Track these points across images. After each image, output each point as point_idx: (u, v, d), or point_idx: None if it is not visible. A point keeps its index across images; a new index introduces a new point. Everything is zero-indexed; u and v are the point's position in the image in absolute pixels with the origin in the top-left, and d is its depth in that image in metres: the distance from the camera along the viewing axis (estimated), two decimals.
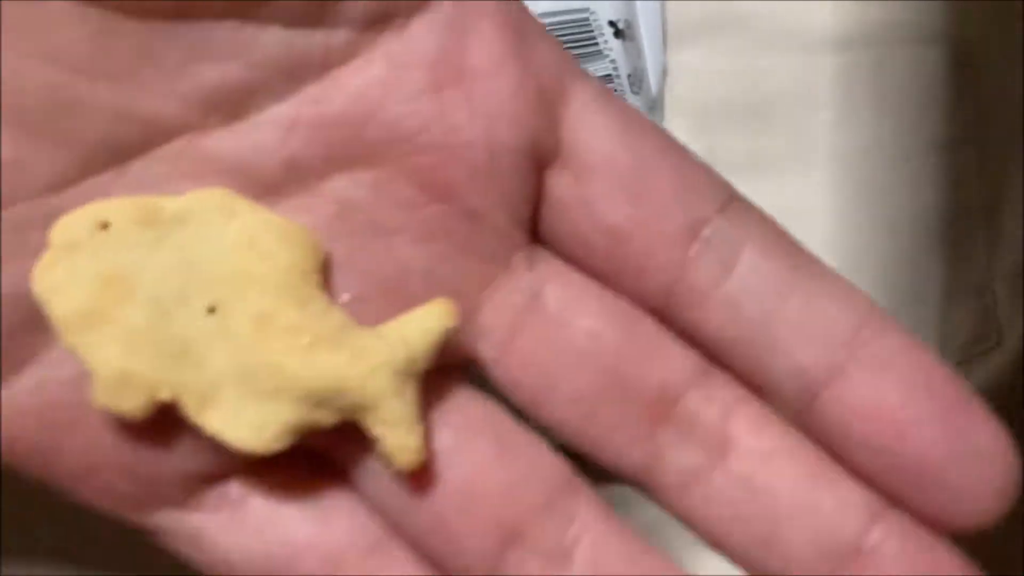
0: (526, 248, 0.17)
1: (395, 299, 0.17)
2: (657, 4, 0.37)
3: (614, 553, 0.17)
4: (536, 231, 0.17)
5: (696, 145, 0.38)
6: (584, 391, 0.17)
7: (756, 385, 0.16)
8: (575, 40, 0.35)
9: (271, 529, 0.17)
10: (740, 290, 0.16)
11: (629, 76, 0.35)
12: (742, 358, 0.16)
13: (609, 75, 0.35)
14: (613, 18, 0.35)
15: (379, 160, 0.16)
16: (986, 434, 0.15)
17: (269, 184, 0.16)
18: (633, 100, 0.35)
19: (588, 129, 0.17)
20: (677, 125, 0.37)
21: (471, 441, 0.17)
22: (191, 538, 0.17)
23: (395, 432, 0.16)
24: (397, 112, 0.16)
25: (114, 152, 0.15)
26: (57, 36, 0.14)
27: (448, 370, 0.17)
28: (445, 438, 0.17)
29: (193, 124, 0.16)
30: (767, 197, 0.38)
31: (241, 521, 0.17)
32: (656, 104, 0.37)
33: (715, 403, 0.16)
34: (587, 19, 0.35)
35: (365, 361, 0.16)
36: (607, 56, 0.35)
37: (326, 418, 0.16)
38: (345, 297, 0.17)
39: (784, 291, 0.16)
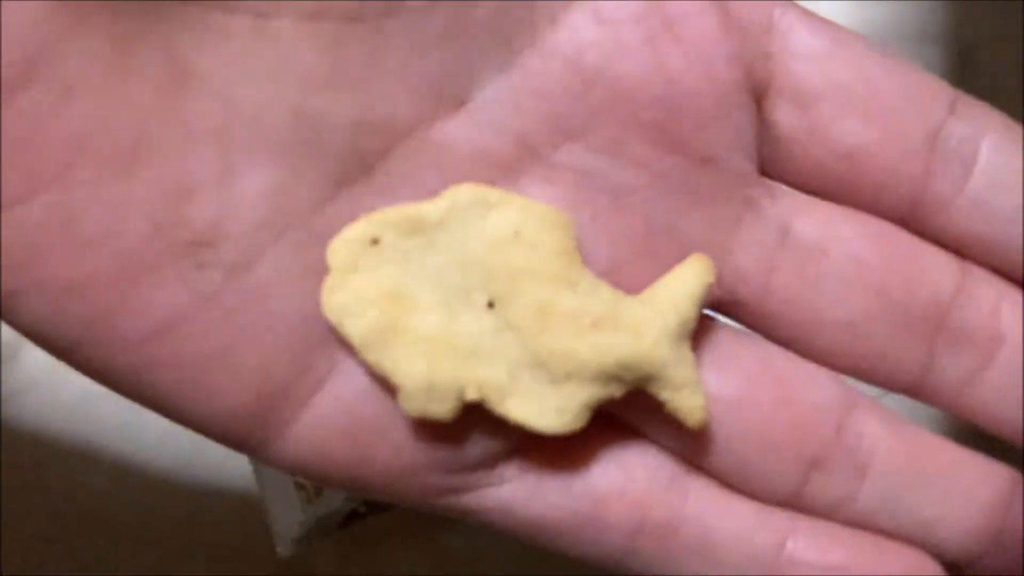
0: (762, 183, 0.17)
1: (647, 259, 0.17)
2: None
3: (905, 456, 0.17)
4: (760, 164, 0.17)
5: None
6: (855, 316, 0.17)
7: (1012, 275, 0.17)
8: None
9: (575, 485, 0.17)
10: (986, 186, 0.16)
11: None
12: (997, 250, 0.17)
13: None
14: None
15: (606, 122, 0.16)
16: None
17: (505, 163, 0.16)
18: None
19: (800, 53, 0.17)
20: None
21: (754, 384, 0.17)
22: (502, 511, 0.17)
23: (681, 395, 0.17)
24: (617, 72, 0.16)
25: (360, 160, 0.16)
26: (294, 57, 0.15)
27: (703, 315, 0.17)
28: (729, 385, 0.17)
29: (425, 117, 0.16)
30: None
31: (545, 485, 0.17)
32: None
33: (982, 302, 0.17)
34: None
35: (646, 334, 0.16)
36: None
37: (616, 391, 0.17)
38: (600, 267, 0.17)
39: None
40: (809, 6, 0.37)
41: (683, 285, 0.16)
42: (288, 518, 0.32)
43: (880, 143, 0.16)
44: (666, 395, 0.17)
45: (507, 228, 0.16)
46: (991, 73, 0.37)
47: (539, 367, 0.16)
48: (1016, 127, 0.17)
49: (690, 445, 0.17)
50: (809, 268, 0.17)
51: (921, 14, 0.37)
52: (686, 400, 0.16)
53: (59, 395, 0.37)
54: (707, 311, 0.17)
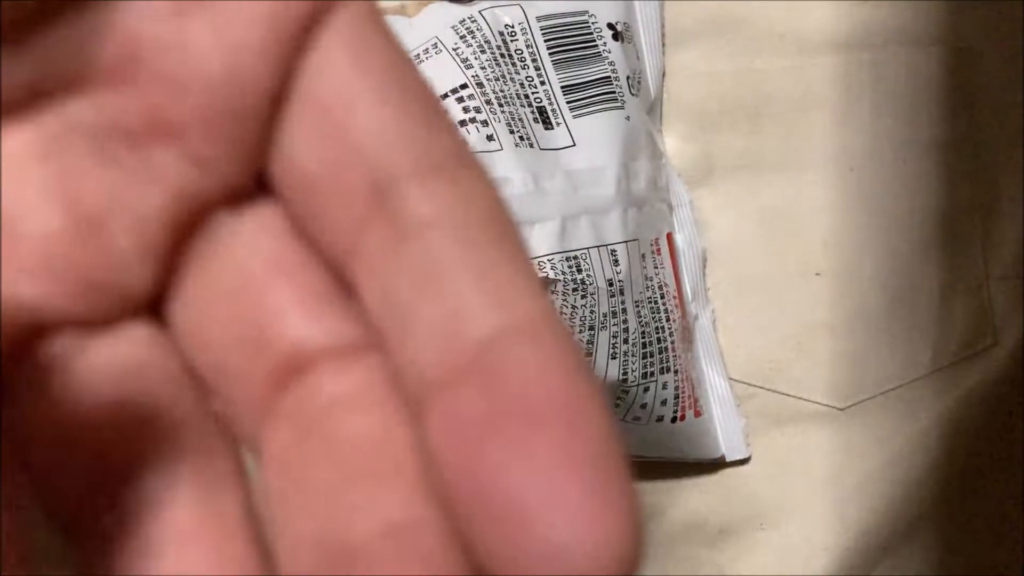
0: (248, 195, 0.16)
1: (89, 234, 0.15)
2: (656, 6, 0.37)
3: None
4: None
5: (694, 146, 0.38)
6: (224, 339, 0.15)
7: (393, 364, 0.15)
8: (574, 42, 0.35)
9: None
10: (398, 270, 0.14)
11: (628, 78, 0.35)
12: (384, 342, 0.15)
13: (608, 77, 0.35)
14: (612, 20, 0.36)
15: (116, 84, 0.15)
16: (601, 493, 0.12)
17: (9, 107, 0.15)
18: (631, 101, 0.35)
19: (321, 60, 0.15)
20: (675, 126, 0.38)
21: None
22: None
23: None
24: (133, 31, 0.14)
25: None
26: None
27: None
28: None
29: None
30: (765, 198, 0.38)
31: None
32: (654, 105, 0.37)
33: (341, 382, 0.15)
34: (586, 21, 0.35)
35: None
36: (606, 58, 0.35)
37: None
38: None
39: (438, 281, 0.14)
40: (801, 8, 0.37)
41: None
42: None
43: (330, 174, 0.15)
44: None
45: None
46: (988, 74, 0.38)
47: None
48: (484, 222, 0.15)
49: None
50: (210, 279, 0.16)
51: (917, 16, 0.38)
52: None
53: None
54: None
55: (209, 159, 0.15)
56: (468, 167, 0.15)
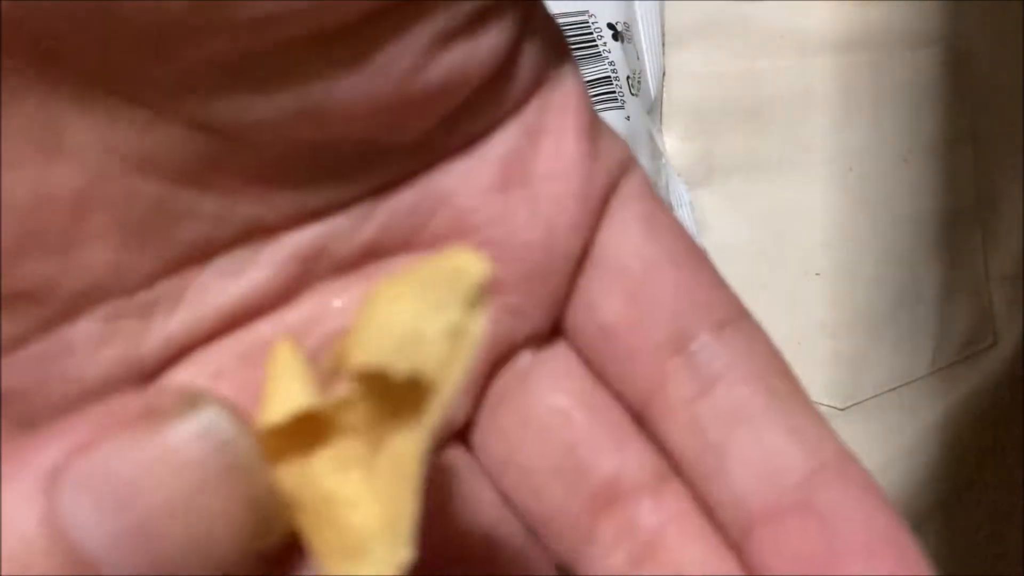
0: (547, 339, 0.18)
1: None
2: (656, 6, 0.37)
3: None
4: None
5: (694, 146, 0.38)
6: (537, 465, 0.17)
7: (702, 500, 0.16)
8: (574, 42, 0.35)
9: None
10: (707, 413, 0.16)
11: (628, 78, 0.35)
12: (693, 476, 0.16)
13: (608, 77, 0.35)
14: (612, 20, 0.36)
15: (442, 246, 0.17)
16: None
17: (343, 265, 0.16)
18: (631, 101, 0.35)
19: (617, 228, 0.17)
20: (675, 126, 0.38)
21: None
22: None
23: None
24: (463, 205, 0.17)
25: (204, 250, 0.16)
26: (168, 150, 0.15)
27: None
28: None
29: (284, 224, 0.16)
30: (765, 198, 0.38)
31: None
32: (654, 105, 0.37)
33: (659, 510, 0.16)
34: (586, 21, 0.35)
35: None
36: (606, 58, 0.35)
37: None
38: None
39: (750, 424, 0.16)
40: (801, 8, 0.37)
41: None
42: None
43: (630, 327, 0.17)
44: None
45: None
46: (987, 75, 0.38)
47: None
48: (774, 368, 0.17)
49: None
50: (521, 410, 0.17)
51: (917, 17, 0.38)
52: None
53: None
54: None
55: (522, 310, 0.17)
56: (747, 318, 0.17)
